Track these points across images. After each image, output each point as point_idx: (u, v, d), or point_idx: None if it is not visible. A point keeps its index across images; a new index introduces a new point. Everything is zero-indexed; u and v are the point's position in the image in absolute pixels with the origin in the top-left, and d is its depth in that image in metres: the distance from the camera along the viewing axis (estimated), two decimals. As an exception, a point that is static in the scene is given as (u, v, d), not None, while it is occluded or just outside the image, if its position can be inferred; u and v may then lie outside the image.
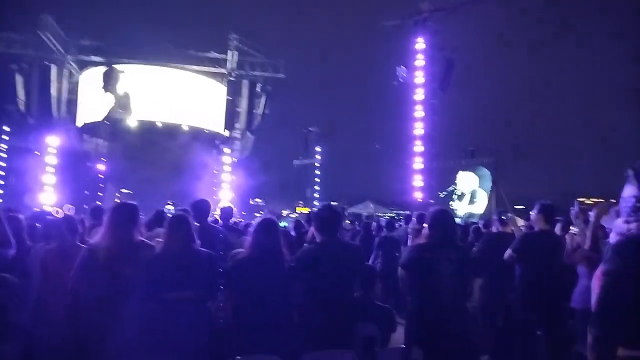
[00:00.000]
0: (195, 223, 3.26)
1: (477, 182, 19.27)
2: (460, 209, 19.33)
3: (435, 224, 3.34)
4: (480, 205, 19.24)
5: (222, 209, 6.19)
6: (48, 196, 18.93)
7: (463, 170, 19.85)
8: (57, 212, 9.89)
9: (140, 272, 2.88)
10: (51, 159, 19.60)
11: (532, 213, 4.55)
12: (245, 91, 22.36)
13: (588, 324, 1.93)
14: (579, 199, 4.72)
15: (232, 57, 22.45)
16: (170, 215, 3.30)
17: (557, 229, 4.92)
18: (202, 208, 4.40)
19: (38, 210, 9.56)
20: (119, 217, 3.00)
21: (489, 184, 18.97)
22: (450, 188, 20.00)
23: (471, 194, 19.52)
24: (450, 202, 19.51)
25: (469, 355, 3.37)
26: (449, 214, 3.60)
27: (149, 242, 3.16)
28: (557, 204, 4.68)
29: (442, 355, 3.04)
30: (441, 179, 20.73)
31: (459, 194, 19.64)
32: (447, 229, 3.35)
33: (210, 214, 5.03)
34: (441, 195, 19.95)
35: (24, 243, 3.89)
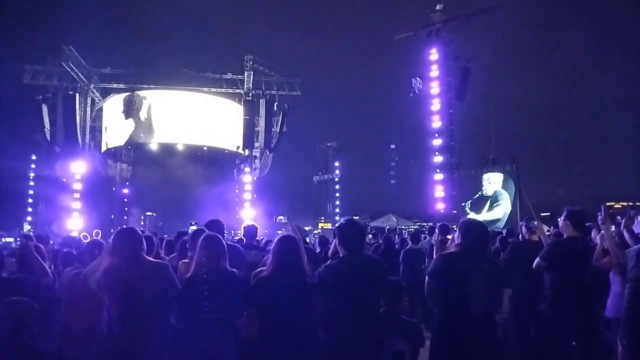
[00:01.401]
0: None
1: (501, 181, 18.94)
2: (477, 217, 19.02)
3: (468, 233, 3.27)
4: (499, 211, 18.88)
5: (245, 228, 6.20)
6: (75, 222, 19.35)
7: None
8: (86, 237, 10.10)
9: (157, 292, 2.91)
10: (77, 185, 20.08)
11: (560, 220, 4.45)
12: (262, 110, 22.65)
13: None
14: (607, 203, 4.59)
15: (248, 77, 22.83)
16: (203, 236, 3.31)
17: (594, 235, 4.79)
18: (215, 227, 4.41)
19: (67, 236, 9.77)
20: (121, 241, 3.05)
21: (511, 191, 18.64)
22: (477, 196, 19.71)
23: (491, 200, 19.20)
24: (466, 210, 19.22)
25: None
26: (483, 225, 3.54)
27: (159, 261, 3.20)
28: (586, 209, 4.56)
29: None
30: (463, 189, 20.47)
31: (488, 195, 19.28)
32: (480, 239, 3.29)
33: (233, 233, 5.06)
34: (467, 206, 19.64)
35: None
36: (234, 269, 3.18)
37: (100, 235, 12.80)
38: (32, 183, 23.90)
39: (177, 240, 5.48)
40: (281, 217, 22.67)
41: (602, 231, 4.10)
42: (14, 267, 3.53)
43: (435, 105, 20.09)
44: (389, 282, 3.57)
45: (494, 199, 19.20)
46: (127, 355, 2.78)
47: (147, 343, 2.84)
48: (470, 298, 3.10)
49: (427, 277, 3.34)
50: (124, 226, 3.29)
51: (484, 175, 19.51)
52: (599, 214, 4.10)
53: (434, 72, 20.17)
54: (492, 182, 19.36)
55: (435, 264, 3.32)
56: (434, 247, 4.84)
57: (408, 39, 20.96)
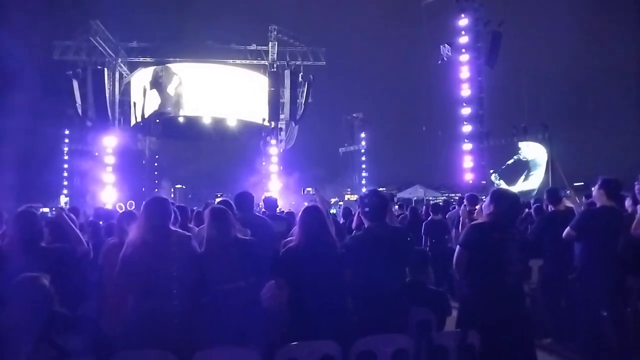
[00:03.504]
0: (239, 214, 3.29)
1: (544, 152, 18.21)
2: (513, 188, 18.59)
3: (499, 202, 3.21)
4: (535, 181, 18.41)
5: (265, 200, 6.27)
6: (109, 194, 19.97)
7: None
8: (121, 208, 10.42)
9: (183, 263, 2.95)
10: (109, 159, 20.62)
11: (594, 189, 4.32)
12: (287, 81, 22.51)
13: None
14: (644, 173, 4.41)
15: (272, 48, 22.63)
16: (209, 209, 3.34)
17: (628, 204, 4.65)
18: (245, 200, 4.46)
19: (99, 207, 10.11)
20: (152, 210, 3.07)
21: (544, 160, 18.12)
22: (511, 160, 19.14)
23: (529, 167, 18.65)
24: (496, 182, 18.80)
25: (527, 339, 3.26)
26: (515, 194, 3.48)
27: (184, 232, 3.24)
28: (623, 179, 4.41)
29: (501, 339, 2.95)
30: (492, 159, 20.04)
31: (526, 160, 18.70)
32: (512, 208, 3.23)
33: (257, 206, 5.10)
34: (495, 177, 19.20)
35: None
36: (246, 238, 3.21)
37: (134, 206, 13.20)
38: (66, 157, 24.66)
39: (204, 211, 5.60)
40: (309, 189, 22.78)
41: None
42: (48, 237, 3.67)
43: (464, 72, 19.53)
44: (414, 252, 3.57)
45: (532, 167, 18.64)
46: (154, 328, 2.82)
47: (178, 315, 2.89)
48: (506, 268, 3.07)
49: (458, 247, 3.30)
50: (157, 194, 3.31)
51: (521, 143, 18.93)
52: (636, 183, 3.96)
53: (464, 38, 19.52)
54: (531, 148, 18.73)
55: (469, 234, 3.26)
56: (461, 218, 4.80)
57: (437, 4, 20.28)
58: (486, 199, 3.35)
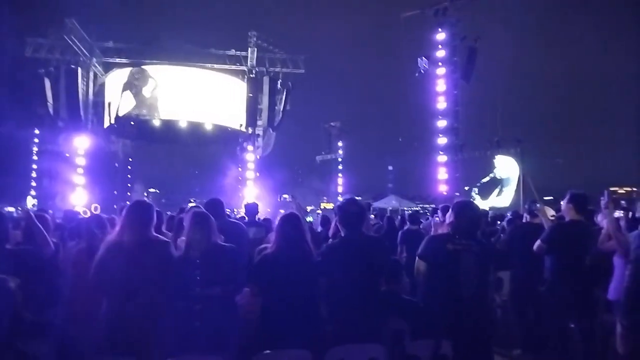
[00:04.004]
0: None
1: (517, 169, 18.71)
2: (483, 204, 18.97)
3: (459, 214, 3.28)
4: (506, 198, 18.88)
5: (246, 206, 6.23)
6: (79, 196, 19.44)
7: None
8: (85, 212, 10.15)
9: (161, 269, 2.91)
10: (80, 160, 20.10)
11: (563, 203, 4.44)
12: (266, 88, 22.45)
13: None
14: (610, 188, 4.57)
15: (252, 54, 22.58)
16: (190, 213, 3.30)
17: (600, 219, 4.79)
18: (216, 206, 4.40)
19: (68, 210, 9.83)
20: (135, 214, 3.04)
21: (516, 177, 18.62)
22: (486, 179, 19.59)
23: (502, 184, 19.15)
24: (472, 196, 19.17)
25: (485, 349, 3.29)
26: (474, 206, 3.53)
27: (163, 238, 3.19)
28: (589, 194, 4.54)
29: (468, 347, 2.99)
30: (466, 171, 20.41)
31: (500, 178, 19.21)
32: (470, 220, 3.28)
33: (236, 211, 5.06)
34: (473, 191, 19.54)
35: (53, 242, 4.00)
36: (225, 244, 3.18)
37: (99, 210, 12.86)
38: (35, 157, 23.94)
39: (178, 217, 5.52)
40: (285, 196, 22.73)
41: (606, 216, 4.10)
42: (18, 238, 3.55)
43: (441, 85, 19.87)
44: (389, 262, 3.59)
45: (505, 183, 19.14)
46: (133, 334, 2.77)
47: (153, 321, 2.84)
48: (460, 279, 3.12)
49: (417, 258, 3.39)
50: (141, 199, 3.28)
51: (496, 157, 19.41)
52: (602, 198, 4.09)
53: (440, 52, 19.89)
54: (505, 165, 19.26)
55: (425, 245, 3.37)
56: (432, 229, 4.87)
57: (415, 18, 20.62)
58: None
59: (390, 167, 40.54)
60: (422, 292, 3.44)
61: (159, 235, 3.16)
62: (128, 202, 3.71)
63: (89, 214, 7.28)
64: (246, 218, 6.14)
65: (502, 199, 19.10)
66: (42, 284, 3.29)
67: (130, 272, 2.85)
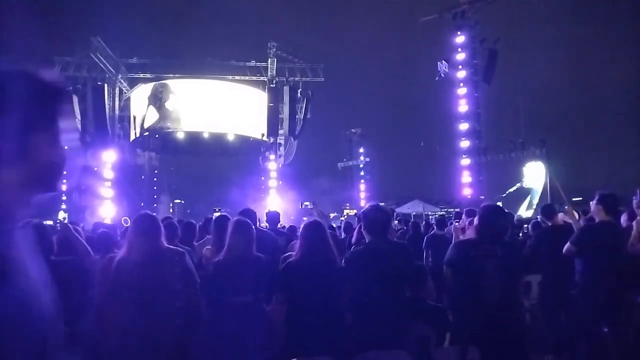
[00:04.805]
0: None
1: (544, 174, 18.08)
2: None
3: (483, 219, 3.24)
4: (535, 210, 18.43)
5: (268, 214, 6.26)
6: (107, 209, 19.90)
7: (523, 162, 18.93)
8: (126, 222, 10.35)
9: (176, 279, 2.92)
10: (108, 174, 20.60)
11: (592, 204, 4.34)
12: (286, 97, 22.66)
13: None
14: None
15: (272, 64, 22.83)
16: (234, 221, 3.34)
17: (623, 219, 4.66)
18: (249, 216, 4.48)
19: (98, 222, 10.07)
20: (141, 227, 3.05)
21: (541, 183, 18.16)
22: (515, 187, 19.11)
23: (530, 195, 18.53)
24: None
25: (519, 355, 3.23)
26: (499, 209, 3.49)
27: (177, 248, 3.19)
28: (620, 193, 4.43)
29: (498, 353, 2.94)
30: (490, 174, 20.10)
31: (527, 188, 18.67)
32: (494, 225, 3.24)
33: (258, 221, 5.12)
34: (503, 195, 19.06)
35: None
36: (259, 254, 3.22)
37: (129, 223, 13.12)
38: (65, 172, 24.62)
39: (204, 227, 5.61)
40: (307, 203, 22.77)
41: (638, 216, 3.99)
42: (56, 249, 3.65)
43: (462, 89, 19.69)
44: (414, 267, 3.57)
45: (534, 194, 18.56)
46: (146, 341, 2.80)
47: (165, 328, 2.87)
48: (483, 284, 3.08)
49: (444, 266, 3.37)
50: (143, 212, 3.28)
51: (526, 165, 18.86)
52: (634, 197, 3.98)
53: (460, 55, 19.73)
54: (534, 172, 18.69)
55: (451, 252, 3.36)
56: (453, 234, 4.81)
57: (433, 22, 20.54)
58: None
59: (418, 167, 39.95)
60: (449, 298, 3.42)
61: (171, 247, 3.17)
62: (154, 214, 3.77)
63: (129, 224, 7.43)
64: (267, 226, 6.17)
65: (532, 212, 18.62)
66: (77, 294, 3.39)
67: (143, 284, 2.85)
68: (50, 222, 15.06)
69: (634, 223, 4.16)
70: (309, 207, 21.32)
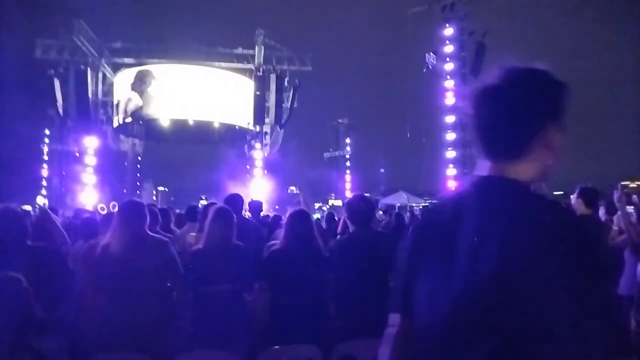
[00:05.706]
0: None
1: None
2: None
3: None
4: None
5: (250, 203, 6.13)
6: (89, 195, 19.62)
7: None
8: (103, 209, 10.24)
9: (160, 267, 2.89)
10: (90, 160, 20.28)
11: (572, 197, 4.40)
12: (273, 86, 22.46)
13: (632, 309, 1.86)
14: (622, 183, 4.51)
15: (259, 52, 22.61)
16: (214, 208, 3.30)
17: (601, 213, 4.74)
18: (235, 202, 4.42)
19: (79, 209, 9.93)
20: (127, 213, 3.01)
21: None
22: None
23: None
24: None
25: None
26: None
27: (160, 237, 3.16)
28: (600, 188, 4.50)
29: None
30: (475, 167, 20.28)
31: None
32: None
33: (243, 209, 5.06)
34: None
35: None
36: (239, 242, 3.19)
37: (116, 208, 12.95)
38: (46, 157, 24.19)
39: (187, 214, 5.57)
40: (292, 188, 22.76)
41: (618, 210, 4.06)
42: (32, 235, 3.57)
43: (449, 81, 19.77)
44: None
45: None
46: (128, 329, 2.77)
47: (158, 318, 2.85)
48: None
49: None
50: (129, 199, 3.21)
51: None
52: (615, 191, 4.05)
53: (448, 47, 19.77)
54: None
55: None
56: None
57: (422, 13, 20.50)
58: None
59: (382, 170, 40.70)
60: None
61: (155, 235, 3.14)
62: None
63: (106, 212, 7.34)
64: (250, 216, 6.07)
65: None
66: (57, 280, 3.33)
67: (126, 271, 2.83)
68: (28, 208, 14.82)
69: (614, 218, 4.23)
70: (295, 191, 21.31)
